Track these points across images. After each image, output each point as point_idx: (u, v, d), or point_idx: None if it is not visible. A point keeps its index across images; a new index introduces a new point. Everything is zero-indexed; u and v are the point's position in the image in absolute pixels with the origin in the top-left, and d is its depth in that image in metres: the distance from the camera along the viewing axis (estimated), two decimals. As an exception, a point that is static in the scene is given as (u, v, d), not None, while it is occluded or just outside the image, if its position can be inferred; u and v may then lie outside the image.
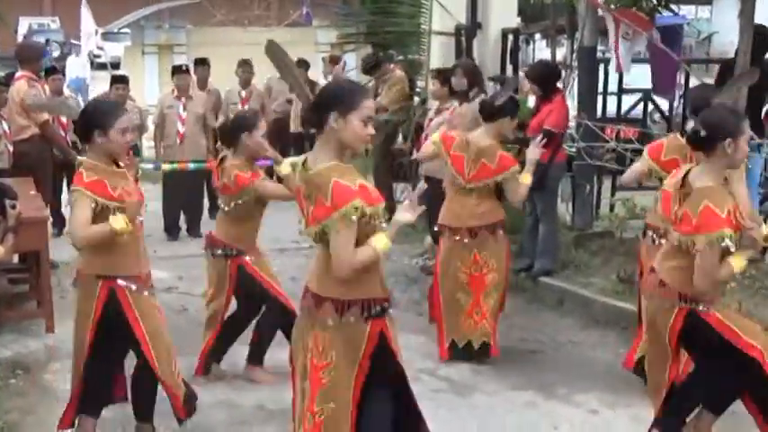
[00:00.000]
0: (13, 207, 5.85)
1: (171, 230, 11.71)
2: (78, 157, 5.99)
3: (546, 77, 8.71)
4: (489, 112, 7.17)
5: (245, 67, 13.28)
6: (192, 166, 11.25)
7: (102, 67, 21.12)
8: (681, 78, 10.84)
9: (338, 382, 4.49)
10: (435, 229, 7.52)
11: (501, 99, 7.14)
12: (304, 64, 14.11)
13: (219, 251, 6.71)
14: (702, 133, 5.04)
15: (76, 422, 5.69)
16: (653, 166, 6.43)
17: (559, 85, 9.19)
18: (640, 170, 6.62)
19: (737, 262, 5.00)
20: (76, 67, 26.59)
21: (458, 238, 7.22)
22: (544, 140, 7.37)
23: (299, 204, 4.44)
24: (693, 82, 10.01)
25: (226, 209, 6.69)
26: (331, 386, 4.48)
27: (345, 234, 4.25)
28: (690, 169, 5.18)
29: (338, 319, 4.43)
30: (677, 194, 5.13)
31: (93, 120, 5.36)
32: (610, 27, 9.36)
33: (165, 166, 11.36)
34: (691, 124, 6.27)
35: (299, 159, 4.51)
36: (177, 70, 11.93)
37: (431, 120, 9.70)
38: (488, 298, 7.30)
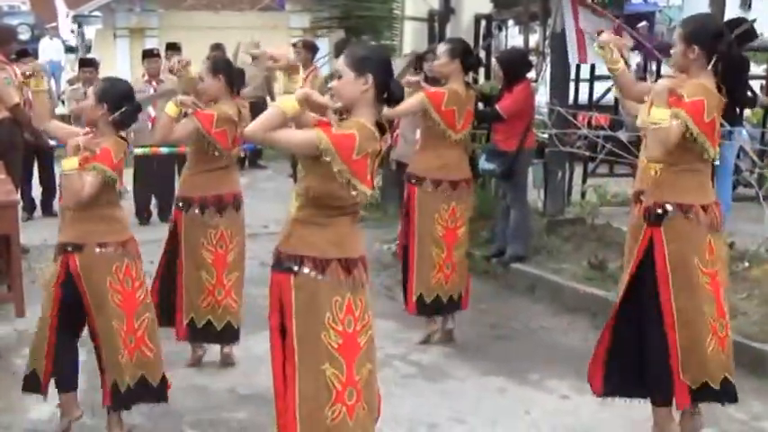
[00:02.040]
0: None
1: (142, 215, 11.67)
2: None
3: (513, 65, 8.64)
4: (473, 65, 7.60)
5: (218, 51, 13.20)
6: (164, 150, 11.19)
7: (74, 50, 20.97)
8: (652, 65, 10.89)
9: (371, 338, 4.55)
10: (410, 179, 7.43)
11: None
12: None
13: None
14: None
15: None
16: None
17: (530, 75, 9.17)
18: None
19: None
20: (51, 50, 26.43)
21: (439, 190, 7.24)
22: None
23: (364, 168, 4.41)
24: (665, 70, 10.05)
25: None
26: (368, 347, 4.51)
27: None
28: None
29: (365, 274, 4.53)
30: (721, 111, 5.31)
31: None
32: (568, 21, 9.34)
33: (137, 150, 11.29)
34: None
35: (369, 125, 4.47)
36: (148, 54, 11.86)
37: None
38: (458, 250, 7.37)
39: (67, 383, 5.68)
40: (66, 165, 5.31)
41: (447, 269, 7.34)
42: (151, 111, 11.40)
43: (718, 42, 5.16)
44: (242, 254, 6.94)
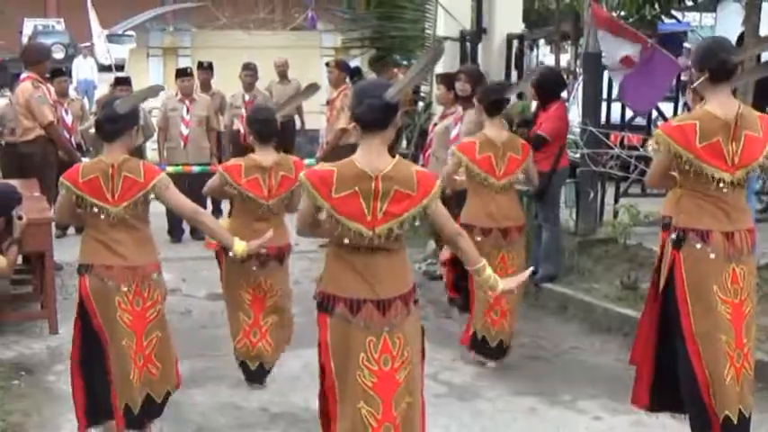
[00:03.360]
0: (20, 218, 5.87)
1: (174, 233, 11.72)
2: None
3: (548, 85, 8.63)
4: (497, 106, 7.19)
5: (249, 70, 13.25)
6: (196, 169, 11.25)
7: (107, 69, 21.14)
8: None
9: (413, 373, 4.52)
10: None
11: (510, 91, 7.22)
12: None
13: None
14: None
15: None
16: None
17: (564, 94, 9.16)
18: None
19: None
20: (84, 68, 26.71)
21: (487, 238, 7.15)
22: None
23: (354, 208, 4.37)
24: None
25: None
26: (408, 382, 4.49)
27: (442, 207, 4.51)
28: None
29: (406, 312, 4.49)
30: (731, 134, 5.09)
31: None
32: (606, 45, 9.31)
33: (169, 169, 11.35)
34: None
35: (344, 166, 4.43)
36: (180, 73, 11.94)
37: (435, 125, 9.72)
38: (510, 296, 7.29)
39: (105, 413, 5.58)
40: None
41: (495, 315, 7.24)
42: (184, 129, 11.48)
43: (706, 60, 5.10)
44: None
